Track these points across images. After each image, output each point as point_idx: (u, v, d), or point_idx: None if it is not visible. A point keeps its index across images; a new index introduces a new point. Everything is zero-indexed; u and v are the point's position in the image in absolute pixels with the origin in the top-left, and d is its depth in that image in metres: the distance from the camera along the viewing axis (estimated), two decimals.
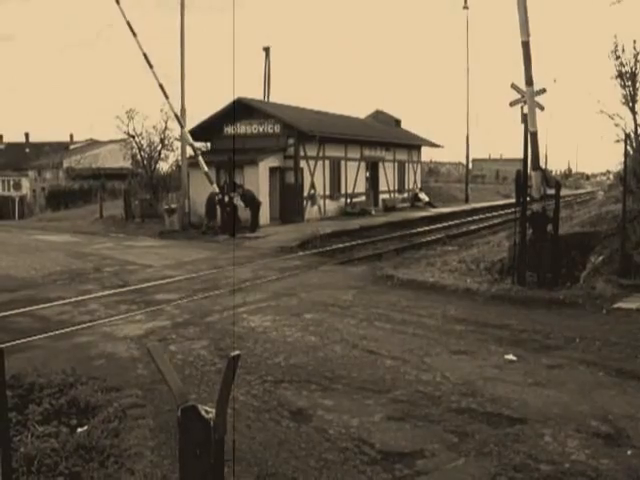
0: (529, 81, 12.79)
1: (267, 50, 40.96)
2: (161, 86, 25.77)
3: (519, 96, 14.71)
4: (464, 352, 8.75)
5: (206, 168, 26.86)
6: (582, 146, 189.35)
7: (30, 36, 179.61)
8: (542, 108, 14.90)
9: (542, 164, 13.78)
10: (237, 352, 2.94)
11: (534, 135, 12.94)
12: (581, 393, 7.03)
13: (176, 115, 27.53)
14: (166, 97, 26.22)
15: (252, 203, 26.77)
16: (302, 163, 31.62)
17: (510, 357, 8.43)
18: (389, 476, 5.23)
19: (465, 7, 48.50)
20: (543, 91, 14.92)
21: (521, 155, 13.62)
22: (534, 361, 8.29)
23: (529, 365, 8.12)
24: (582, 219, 15.63)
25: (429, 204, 42.62)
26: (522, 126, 13.45)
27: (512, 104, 14.71)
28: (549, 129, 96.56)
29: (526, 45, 12.32)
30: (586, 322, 10.25)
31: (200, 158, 27.31)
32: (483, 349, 8.86)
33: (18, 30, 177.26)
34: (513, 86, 14.78)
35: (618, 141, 18.31)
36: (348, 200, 35.73)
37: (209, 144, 35.30)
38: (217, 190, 26.67)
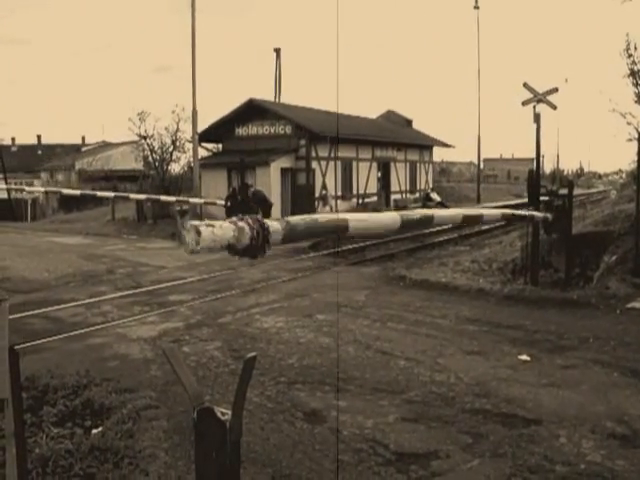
0: None
1: (278, 51, 41.03)
2: None
3: (531, 95, 14.67)
4: (478, 353, 8.72)
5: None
6: (594, 145, 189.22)
7: (45, 40, 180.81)
8: (554, 107, 14.86)
9: (554, 163, 13.70)
10: (253, 354, 2.93)
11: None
12: (596, 394, 6.99)
13: None
14: None
15: (263, 204, 26.76)
16: (314, 164, 31.66)
17: (524, 357, 8.39)
18: (404, 477, 5.21)
19: (476, 7, 48.47)
20: (555, 90, 14.89)
21: (533, 155, 13.58)
22: (548, 361, 8.25)
23: (543, 365, 8.08)
24: (595, 218, 15.52)
25: (441, 204, 42.52)
26: (534, 125, 13.41)
27: (524, 103, 14.67)
28: (560, 128, 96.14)
29: None
30: (600, 322, 10.20)
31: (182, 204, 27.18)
32: (497, 349, 8.82)
33: (34, 34, 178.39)
34: (525, 86, 14.75)
35: (630, 140, 18.20)
36: (360, 201, 35.74)
37: (220, 145, 35.38)
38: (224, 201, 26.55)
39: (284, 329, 10.26)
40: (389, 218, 5.13)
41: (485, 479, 5.13)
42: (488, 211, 7.86)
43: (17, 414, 3.92)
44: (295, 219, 3.65)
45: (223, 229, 2.92)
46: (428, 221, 5.71)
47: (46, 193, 49.28)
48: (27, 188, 33.64)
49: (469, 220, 7.39)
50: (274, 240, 3.34)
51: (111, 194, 28.91)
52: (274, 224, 3.35)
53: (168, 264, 18.32)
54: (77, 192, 28.15)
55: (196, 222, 2.86)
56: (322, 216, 4.05)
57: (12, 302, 12.32)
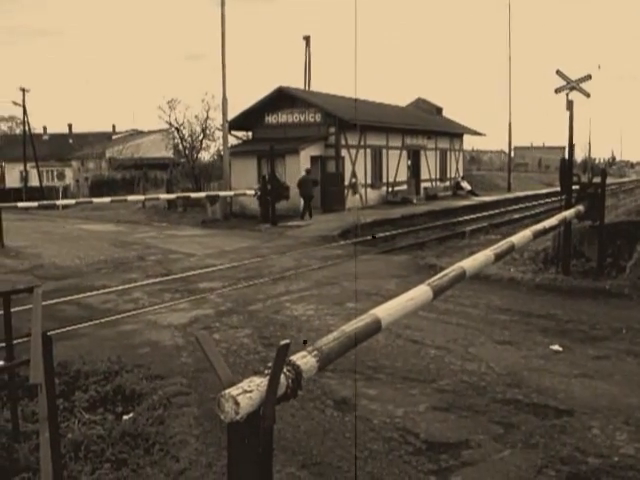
0: None
1: (307, 39, 41.04)
2: None
3: (564, 83, 14.48)
4: (509, 342, 8.64)
5: None
6: (626, 133, 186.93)
7: (77, 30, 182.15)
8: (588, 95, 14.66)
9: (585, 152, 13.52)
10: (287, 341, 2.93)
11: None
12: (629, 385, 6.90)
13: None
14: None
15: (309, 190, 26.66)
16: (343, 152, 31.55)
17: (556, 347, 8.30)
18: (434, 467, 5.18)
19: None
20: (588, 77, 14.68)
21: (564, 143, 13.44)
22: (580, 352, 8.16)
23: (575, 356, 7.99)
24: (628, 208, 15.30)
25: (471, 192, 42.30)
26: (566, 113, 13.23)
27: (557, 91, 14.47)
28: (592, 117, 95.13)
29: None
30: (633, 312, 10.06)
31: None
32: (528, 339, 8.74)
33: (66, 25, 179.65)
34: (558, 72, 14.55)
35: None
36: (389, 189, 35.61)
37: (250, 133, 35.40)
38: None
39: (314, 317, 10.25)
40: (419, 294, 4.82)
41: (516, 469, 5.09)
42: (518, 238, 7.72)
43: (50, 399, 3.95)
44: (328, 344, 3.62)
45: (260, 390, 2.92)
46: (460, 278, 5.58)
47: (86, 179, 49.99)
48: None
49: (502, 255, 7.19)
50: (310, 376, 3.35)
51: (141, 197, 30.05)
52: (309, 362, 3.35)
53: (198, 251, 18.41)
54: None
55: (234, 391, 2.85)
56: (351, 326, 3.99)
57: (44, 289, 12.50)
